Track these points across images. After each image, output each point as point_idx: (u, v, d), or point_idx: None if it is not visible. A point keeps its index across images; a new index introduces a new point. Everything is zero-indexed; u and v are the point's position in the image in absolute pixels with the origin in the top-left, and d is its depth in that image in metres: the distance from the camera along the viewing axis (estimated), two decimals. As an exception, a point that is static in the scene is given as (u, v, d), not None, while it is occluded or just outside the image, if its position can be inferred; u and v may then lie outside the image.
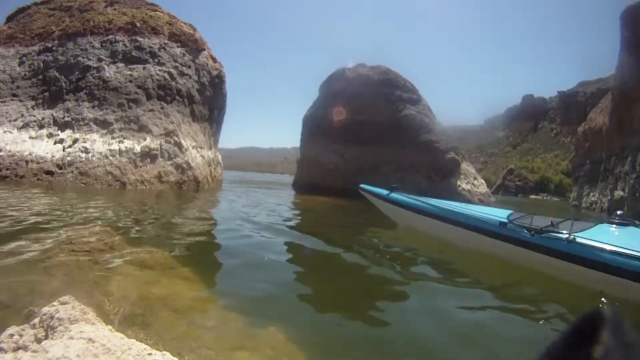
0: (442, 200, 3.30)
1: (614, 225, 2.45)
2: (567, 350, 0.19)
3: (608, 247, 2.05)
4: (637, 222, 2.49)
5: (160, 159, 7.12)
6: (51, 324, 0.85)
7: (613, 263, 1.98)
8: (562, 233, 2.26)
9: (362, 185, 3.98)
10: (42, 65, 8.13)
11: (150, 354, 0.84)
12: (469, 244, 2.68)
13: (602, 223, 2.56)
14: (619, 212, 2.63)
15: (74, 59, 7.99)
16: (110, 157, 6.69)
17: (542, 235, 2.32)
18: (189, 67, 8.72)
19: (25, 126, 7.13)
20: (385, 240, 2.81)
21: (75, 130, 7.04)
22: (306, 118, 13.02)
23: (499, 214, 2.72)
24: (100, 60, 7.97)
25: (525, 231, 2.38)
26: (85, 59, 7.95)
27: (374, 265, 2.29)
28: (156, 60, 8.21)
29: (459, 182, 10.49)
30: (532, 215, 2.64)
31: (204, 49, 9.42)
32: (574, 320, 0.19)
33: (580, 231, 2.33)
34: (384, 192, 3.60)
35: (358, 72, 12.02)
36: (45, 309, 0.90)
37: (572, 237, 2.18)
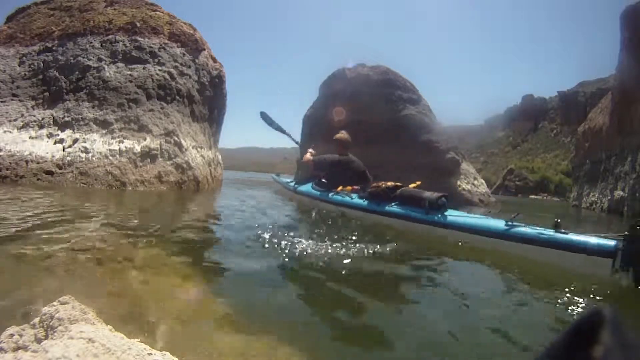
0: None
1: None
2: (567, 350, 0.19)
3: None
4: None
5: (160, 159, 7.12)
6: (51, 323, 0.85)
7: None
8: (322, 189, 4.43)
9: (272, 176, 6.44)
10: (42, 65, 8.13)
11: (150, 354, 0.84)
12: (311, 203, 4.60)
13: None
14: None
15: (74, 59, 7.99)
16: (110, 157, 6.69)
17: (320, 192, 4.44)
18: (189, 67, 8.72)
19: (25, 126, 7.13)
20: (385, 237, 2.81)
21: (75, 130, 7.04)
22: (306, 118, 13.02)
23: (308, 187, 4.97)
24: (100, 60, 7.97)
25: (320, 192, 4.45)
26: (85, 59, 7.95)
27: (376, 263, 2.29)
28: (156, 60, 8.21)
29: (459, 182, 10.49)
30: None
31: (204, 49, 9.42)
32: (574, 320, 0.19)
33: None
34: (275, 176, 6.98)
35: (358, 72, 12.02)
36: (45, 309, 0.90)
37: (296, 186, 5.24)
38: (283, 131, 6.50)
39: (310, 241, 2.47)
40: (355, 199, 3.73)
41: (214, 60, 9.79)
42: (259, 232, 2.70)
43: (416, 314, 1.65)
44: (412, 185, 3.48)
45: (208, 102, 9.23)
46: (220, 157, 9.92)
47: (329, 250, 2.31)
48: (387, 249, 2.45)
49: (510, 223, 2.50)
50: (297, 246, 2.37)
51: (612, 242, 2.10)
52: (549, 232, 2.31)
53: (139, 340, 0.91)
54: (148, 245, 2.34)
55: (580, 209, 16.03)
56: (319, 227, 3.01)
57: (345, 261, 2.15)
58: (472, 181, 11.02)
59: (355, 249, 2.36)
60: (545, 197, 50.08)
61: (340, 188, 4.12)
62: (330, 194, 4.16)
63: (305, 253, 2.28)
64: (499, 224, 2.58)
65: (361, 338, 1.33)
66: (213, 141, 9.63)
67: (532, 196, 49.21)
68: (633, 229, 2.05)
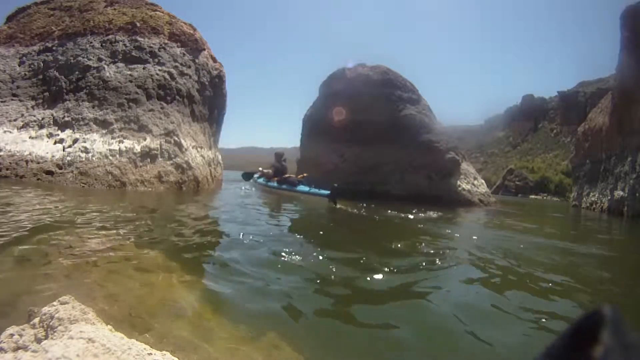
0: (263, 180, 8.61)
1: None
2: (567, 350, 0.19)
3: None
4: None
5: (160, 159, 7.12)
6: (51, 323, 0.85)
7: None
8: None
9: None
10: (42, 65, 8.14)
11: (150, 354, 0.84)
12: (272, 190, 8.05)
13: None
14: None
15: (74, 59, 7.99)
16: (110, 157, 6.69)
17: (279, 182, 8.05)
18: (189, 67, 8.72)
19: (25, 126, 7.13)
20: (384, 235, 2.81)
21: (75, 130, 7.04)
22: (306, 118, 13.02)
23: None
24: (100, 60, 7.97)
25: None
26: (85, 59, 7.95)
27: (377, 262, 2.29)
28: (156, 60, 8.21)
29: (459, 182, 10.48)
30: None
31: (204, 49, 9.42)
32: (574, 320, 0.19)
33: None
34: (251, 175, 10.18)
35: (358, 72, 12.01)
36: (45, 309, 0.90)
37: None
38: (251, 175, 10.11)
39: (291, 235, 2.47)
40: (275, 184, 7.84)
41: (214, 60, 9.79)
42: (252, 228, 2.69)
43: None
44: (300, 175, 8.01)
45: (208, 102, 9.23)
46: (220, 157, 9.92)
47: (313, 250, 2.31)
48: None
49: (310, 188, 6.89)
50: (283, 242, 2.37)
51: (328, 191, 6.27)
52: (318, 190, 6.68)
53: (138, 340, 0.91)
54: (147, 246, 2.34)
55: (580, 208, 16.02)
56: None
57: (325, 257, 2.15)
58: (472, 181, 11.01)
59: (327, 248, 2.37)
60: (545, 197, 50.08)
61: (274, 179, 8.24)
62: (269, 183, 8.14)
63: (290, 249, 2.28)
64: (307, 189, 6.95)
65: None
66: (213, 141, 9.64)
67: (532, 196, 49.18)
68: (332, 185, 6.37)
